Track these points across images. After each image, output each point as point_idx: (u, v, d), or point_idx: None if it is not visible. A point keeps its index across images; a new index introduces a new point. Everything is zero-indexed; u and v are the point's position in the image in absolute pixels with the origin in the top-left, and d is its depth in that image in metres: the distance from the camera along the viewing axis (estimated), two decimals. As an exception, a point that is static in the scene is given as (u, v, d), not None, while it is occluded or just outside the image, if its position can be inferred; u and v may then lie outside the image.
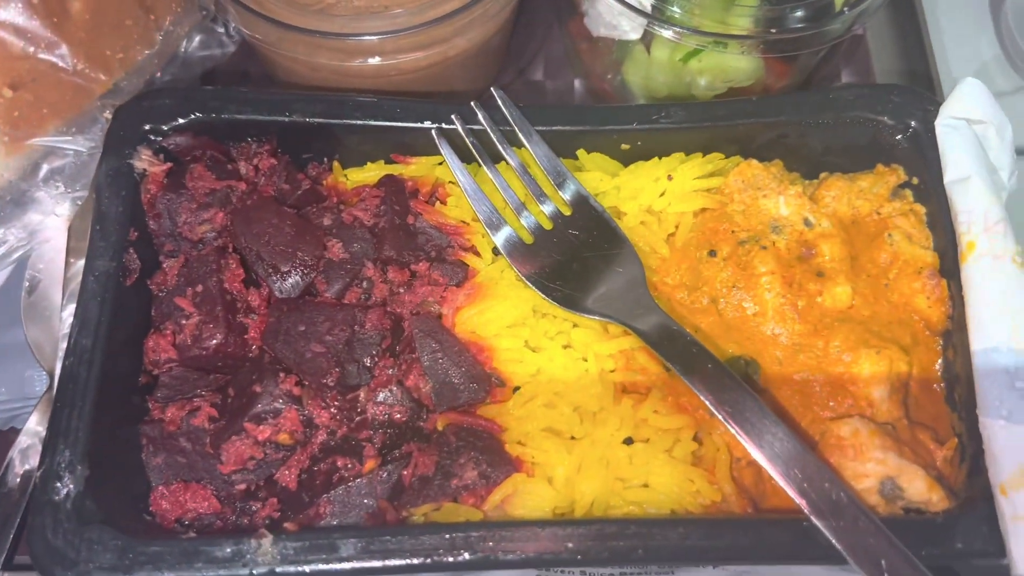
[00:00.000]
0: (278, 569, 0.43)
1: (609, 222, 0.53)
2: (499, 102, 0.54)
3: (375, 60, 0.57)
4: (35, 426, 0.53)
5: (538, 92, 0.69)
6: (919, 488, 0.47)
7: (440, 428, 0.49)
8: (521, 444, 0.49)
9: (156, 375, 0.51)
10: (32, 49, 0.49)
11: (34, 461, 0.53)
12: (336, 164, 0.58)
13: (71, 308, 0.56)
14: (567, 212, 0.54)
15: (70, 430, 0.46)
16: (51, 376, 0.56)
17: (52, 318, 0.57)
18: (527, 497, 0.47)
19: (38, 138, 0.50)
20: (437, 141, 0.54)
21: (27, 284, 0.58)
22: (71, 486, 0.45)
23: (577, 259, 0.52)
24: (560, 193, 0.54)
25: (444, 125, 0.55)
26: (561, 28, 0.69)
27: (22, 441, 0.52)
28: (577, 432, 0.49)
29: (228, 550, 0.44)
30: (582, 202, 0.54)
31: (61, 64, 0.50)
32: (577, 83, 0.69)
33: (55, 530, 0.44)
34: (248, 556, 0.44)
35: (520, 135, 0.54)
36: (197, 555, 0.44)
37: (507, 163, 0.54)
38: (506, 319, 0.51)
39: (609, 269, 0.52)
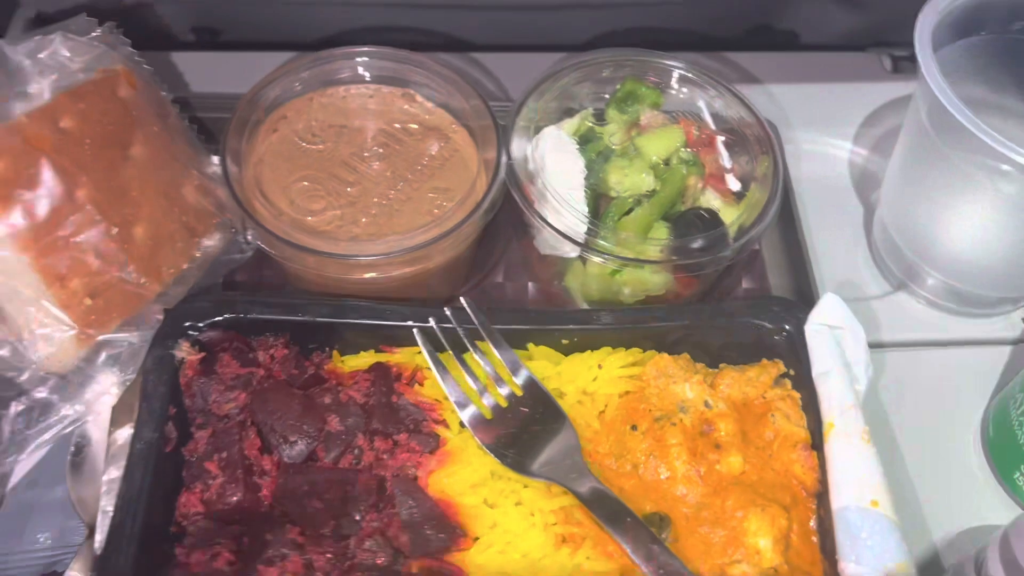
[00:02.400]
0: None
1: (552, 401, 0.67)
2: (466, 308, 0.69)
3: (370, 275, 0.73)
4: (76, 573, 0.64)
5: (499, 291, 0.85)
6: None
7: (415, 571, 0.61)
8: (481, 581, 0.61)
9: (184, 526, 0.63)
10: (107, 267, 0.64)
11: (74, 600, 0.63)
12: (335, 353, 0.72)
13: (111, 470, 0.68)
14: (519, 393, 0.68)
15: (117, 573, 0.57)
16: (89, 528, 0.67)
17: (95, 478, 0.69)
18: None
19: (104, 335, 0.64)
20: (417, 338, 0.69)
21: (72, 448, 0.70)
22: (118, 621, 0.56)
23: (526, 431, 0.66)
24: (514, 378, 0.68)
25: (422, 324, 0.69)
26: (517, 243, 0.86)
27: (66, 583, 0.63)
28: (523, 575, 0.61)
29: (242, 670, 0.55)
30: (531, 385, 0.68)
31: (127, 278, 0.65)
32: (531, 285, 0.85)
33: (103, 656, 0.54)
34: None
35: (482, 332, 0.69)
36: (217, 674, 0.54)
37: (471, 354, 0.69)
38: (469, 480, 0.64)
39: (552, 440, 0.66)
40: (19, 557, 0.67)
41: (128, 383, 0.66)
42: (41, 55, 0.66)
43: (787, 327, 0.71)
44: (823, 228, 0.88)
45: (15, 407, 0.60)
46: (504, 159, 0.76)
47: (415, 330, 0.69)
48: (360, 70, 0.83)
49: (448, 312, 0.69)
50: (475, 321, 0.69)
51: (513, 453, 0.65)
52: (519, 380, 0.68)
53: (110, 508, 0.66)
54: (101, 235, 0.63)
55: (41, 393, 0.61)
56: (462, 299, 0.69)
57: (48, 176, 0.60)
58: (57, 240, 0.61)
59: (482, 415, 0.66)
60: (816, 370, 0.69)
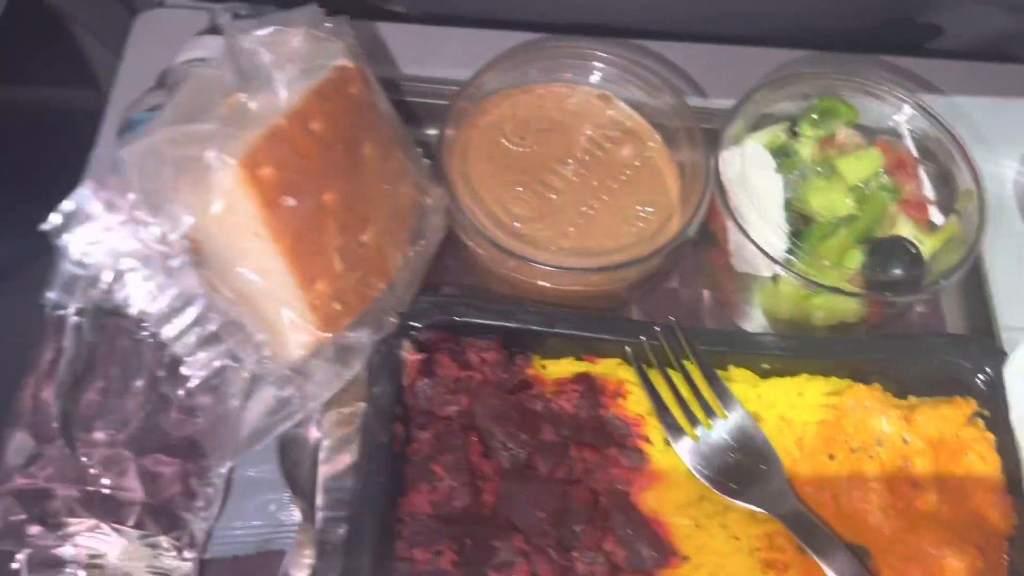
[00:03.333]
0: None
1: (756, 429, 0.69)
2: (678, 333, 0.71)
3: (573, 286, 0.74)
4: (305, 555, 0.67)
5: (673, 298, 0.86)
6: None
7: (630, 587, 0.64)
8: (691, 603, 0.64)
9: (405, 522, 0.66)
10: (349, 270, 0.65)
11: (300, 581, 0.67)
12: (535, 357, 0.74)
13: (324, 456, 0.71)
14: (723, 418, 0.70)
15: (362, 568, 0.60)
16: (304, 511, 0.70)
17: (303, 462, 0.72)
18: (700, 650, 0.62)
19: (336, 333, 0.66)
20: (629, 357, 0.70)
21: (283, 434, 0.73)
22: (365, 612, 0.59)
23: (732, 456, 0.68)
24: (719, 402, 0.70)
25: (632, 340, 0.71)
26: (692, 250, 0.86)
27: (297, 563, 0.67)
28: (733, 597, 0.64)
29: (484, 673, 0.58)
30: (735, 411, 0.70)
31: (362, 279, 0.66)
32: (706, 293, 0.87)
33: (355, 647, 0.58)
34: None
35: (690, 354, 0.71)
36: (461, 675, 0.58)
37: (676, 374, 0.71)
38: (679, 501, 0.67)
39: (756, 466, 0.68)
40: (236, 534, 0.71)
41: (346, 379, 0.68)
42: (280, 48, 0.66)
43: (987, 369, 0.72)
44: (998, 256, 0.88)
45: (263, 403, 0.62)
46: (713, 169, 0.76)
47: (627, 348, 0.70)
48: (558, 64, 0.83)
49: (662, 335, 0.71)
50: (684, 345, 0.70)
51: (720, 478, 0.67)
52: (724, 405, 0.70)
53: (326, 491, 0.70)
54: (345, 238, 0.64)
55: (287, 391, 0.63)
56: (676, 327, 0.71)
57: (306, 181, 0.61)
58: (310, 244, 0.62)
59: (691, 439, 0.68)
60: (1015, 414, 0.70)
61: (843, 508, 0.69)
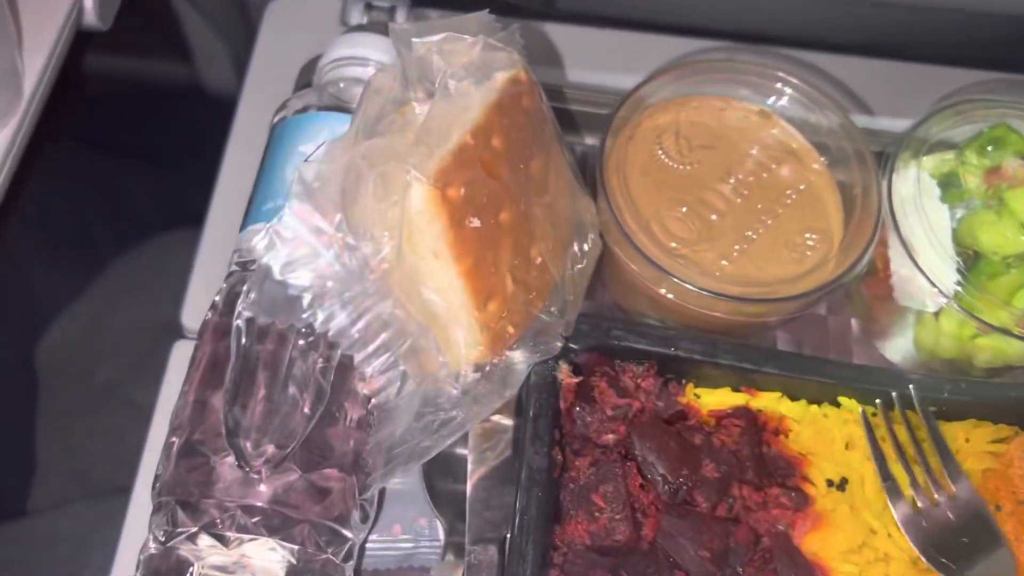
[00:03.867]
0: None
1: (987, 513, 0.65)
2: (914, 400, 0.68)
3: (719, 313, 0.71)
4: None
5: (821, 326, 0.83)
6: None
7: (796, 633, 0.62)
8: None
9: (560, 550, 0.64)
10: (518, 290, 0.63)
11: (449, 601, 0.66)
12: (689, 386, 0.72)
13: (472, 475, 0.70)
14: (951, 492, 0.66)
15: (522, 597, 0.59)
16: (448, 527, 0.69)
17: (449, 478, 0.71)
18: None
19: (504, 355, 0.64)
20: (864, 420, 0.67)
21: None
22: (529, 644, 0.58)
23: (955, 537, 0.64)
24: (945, 474, 0.66)
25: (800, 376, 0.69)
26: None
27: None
28: (898, 650, 0.62)
29: None
30: (963, 486, 0.66)
31: (529, 299, 0.65)
32: (854, 322, 0.84)
33: None
34: None
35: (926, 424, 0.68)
36: None
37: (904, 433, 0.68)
38: (843, 547, 0.65)
39: (978, 546, 0.64)
40: (375, 547, 0.70)
41: (505, 399, 0.66)
42: (454, 56, 0.64)
43: None
44: None
45: (426, 421, 0.61)
46: (886, 195, 0.73)
47: (863, 411, 0.68)
48: (717, 77, 0.80)
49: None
50: (921, 415, 0.67)
51: (944, 558, 0.63)
52: (953, 479, 0.66)
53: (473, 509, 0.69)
54: (518, 258, 0.63)
55: (453, 412, 0.62)
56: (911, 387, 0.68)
57: (489, 201, 0.59)
58: (488, 265, 0.60)
59: (913, 510, 0.65)
60: None
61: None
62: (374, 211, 0.51)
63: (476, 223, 0.58)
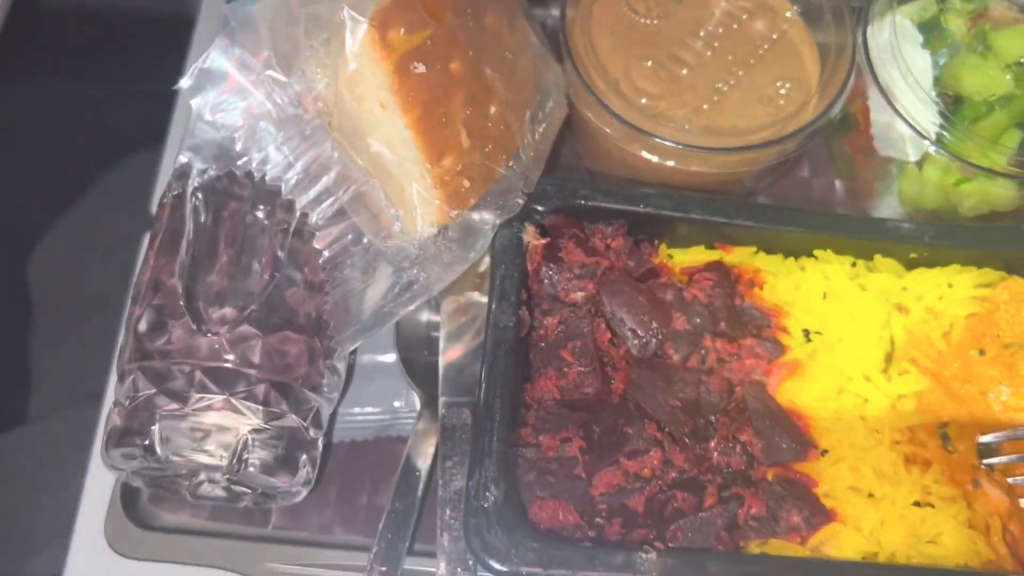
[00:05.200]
0: (662, 578, 0.56)
1: None
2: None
3: (695, 167, 0.69)
4: (428, 442, 0.66)
5: (804, 188, 0.81)
6: None
7: (769, 478, 0.61)
8: (829, 497, 0.61)
9: (531, 408, 0.64)
10: (475, 145, 0.62)
11: (424, 466, 0.66)
12: (663, 245, 0.70)
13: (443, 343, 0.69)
14: None
15: (492, 451, 0.59)
16: (423, 398, 0.69)
17: (422, 343, 0.70)
18: (840, 542, 0.59)
19: (463, 213, 0.63)
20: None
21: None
22: (496, 496, 0.57)
23: None
24: None
25: (769, 226, 0.67)
26: (829, 138, 0.81)
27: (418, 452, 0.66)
28: (876, 492, 0.61)
29: (621, 559, 0.56)
30: None
31: (487, 156, 0.63)
32: (838, 183, 0.81)
33: (488, 530, 0.56)
34: (637, 565, 0.56)
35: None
36: (597, 560, 0.56)
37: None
38: (819, 394, 0.63)
39: None
40: (353, 419, 0.70)
41: (470, 261, 0.65)
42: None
43: None
44: None
45: (387, 284, 0.60)
46: (860, 44, 0.70)
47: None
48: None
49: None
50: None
51: None
52: None
53: (447, 378, 0.68)
54: (472, 111, 0.61)
55: (412, 272, 0.61)
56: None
57: (435, 47, 0.57)
58: (439, 116, 0.59)
59: None
60: None
61: (993, 404, 0.64)
62: (305, 48, 0.50)
63: (421, 68, 0.56)
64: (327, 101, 0.51)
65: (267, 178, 0.51)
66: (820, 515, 0.59)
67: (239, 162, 0.50)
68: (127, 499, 0.65)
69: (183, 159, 0.51)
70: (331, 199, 0.52)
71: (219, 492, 0.64)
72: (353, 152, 0.55)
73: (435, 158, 0.59)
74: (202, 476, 0.61)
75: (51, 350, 1.01)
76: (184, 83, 0.48)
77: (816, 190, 0.81)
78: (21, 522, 0.88)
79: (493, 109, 0.63)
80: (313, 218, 0.52)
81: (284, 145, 0.50)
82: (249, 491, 0.62)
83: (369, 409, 0.71)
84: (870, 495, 0.61)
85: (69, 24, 1.21)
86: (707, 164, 0.69)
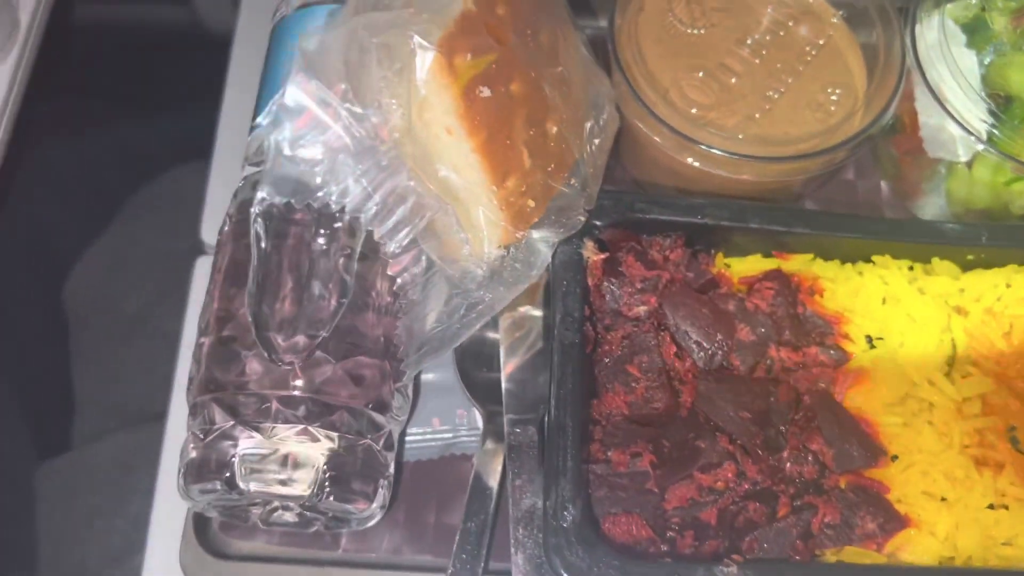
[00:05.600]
0: (745, 592, 0.56)
1: None
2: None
3: (745, 176, 0.69)
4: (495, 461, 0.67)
5: (850, 191, 0.81)
6: None
7: (842, 486, 0.61)
8: (902, 503, 0.61)
9: (600, 424, 0.64)
10: (536, 165, 0.62)
11: (494, 484, 0.66)
12: (719, 255, 0.70)
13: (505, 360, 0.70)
14: None
15: (567, 470, 0.59)
16: (486, 414, 0.69)
17: (484, 361, 0.71)
18: (916, 547, 0.60)
19: (527, 232, 0.63)
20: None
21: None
22: (574, 515, 0.58)
23: None
24: None
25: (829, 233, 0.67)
26: (875, 140, 0.81)
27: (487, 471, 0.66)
28: (948, 496, 0.61)
29: (701, 573, 0.56)
30: None
31: (548, 176, 0.63)
32: (883, 185, 0.81)
33: (569, 549, 0.57)
34: (719, 578, 0.56)
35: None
36: (677, 574, 0.56)
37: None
38: (886, 400, 0.64)
39: None
40: (417, 439, 0.70)
41: (531, 279, 0.65)
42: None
43: None
44: None
45: (453, 305, 0.60)
46: (910, 46, 0.70)
47: (825, 240, 0.66)
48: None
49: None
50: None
51: None
52: None
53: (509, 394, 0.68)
54: (533, 132, 0.61)
55: (479, 292, 0.61)
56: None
57: (498, 70, 0.57)
58: (503, 138, 0.59)
59: None
60: None
61: (1058, 405, 0.65)
62: (379, 79, 0.50)
63: (486, 92, 0.56)
64: (402, 131, 0.51)
65: (347, 210, 0.51)
66: (895, 521, 0.60)
67: (318, 194, 0.50)
68: (199, 527, 0.65)
69: (262, 195, 0.51)
70: (408, 228, 0.53)
71: (291, 518, 0.64)
72: (427, 183, 0.55)
73: (500, 180, 0.59)
74: (275, 503, 0.61)
75: (92, 373, 1.01)
76: (262, 120, 0.48)
77: (861, 192, 0.81)
78: (75, 550, 0.88)
79: (552, 127, 0.63)
80: (391, 247, 0.53)
81: (363, 177, 0.50)
82: (321, 516, 0.63)
83: (432, 429, 0.71)
84: (943, 499, 0.61)
85: (102, 41, 1.21)
86: (758, 173, 0.70)
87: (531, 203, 0.60)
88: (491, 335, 0.72)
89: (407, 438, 0.70)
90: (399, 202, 0.51)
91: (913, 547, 0.59)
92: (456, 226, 0.56)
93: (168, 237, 1.03)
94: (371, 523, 0.63)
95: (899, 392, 0.64)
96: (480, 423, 0.70)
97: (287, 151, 0.49)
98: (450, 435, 0.71)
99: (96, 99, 1.19)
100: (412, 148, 0.53)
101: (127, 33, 1.31)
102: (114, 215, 1.11)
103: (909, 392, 0.64)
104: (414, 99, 0.52)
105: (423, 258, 0.55)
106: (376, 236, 0.52)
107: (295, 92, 0.48)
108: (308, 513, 0.63)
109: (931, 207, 0.78)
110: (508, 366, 0.70)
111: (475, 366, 0.71)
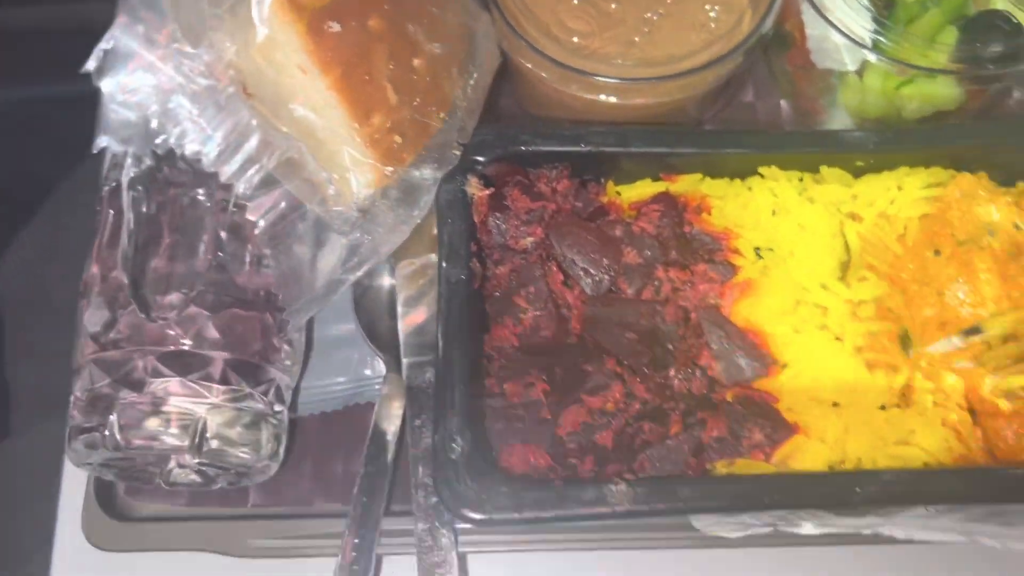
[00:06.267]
0: (634, 508, 0.56)
1: None
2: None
3: (641, 100, 0.69)
4: (395, 406, 0.66)
5: (750, 112, 0.80)
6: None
7: (729, 399, 0.61)
8: (792, 411, 0.61)
9: (493, 358, 0.64)
10: (403, 101, 0.61)
11: (392, 428, 0.66)
12: (610, 183, 0.70)
13: (401, 306, 0.69)
14: None
15: (455, 403, 0.59)
16: (388, 361, 0.69)
17: (382, 314, 0.70)
18: (805, 454, 0.59)
19: (403, 171, 0.62)
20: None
21: (356, 289, 0.71)
22: (463, 446, 0.57)
23: None
24: None
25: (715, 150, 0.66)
26: (769, 58, 0.80)
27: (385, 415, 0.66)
28: (840, 400, 0.61)
29: (592, 493, 0.56)
30: None
31: (417, 111, 0.62)
32: (783, 103, 0.81)
33: (457, 479, 0.57)
34: (608, 498, 0.56)
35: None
36: (569, 497, 0.56)
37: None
38: (775, 309, 0.63)
39: None
40: (321, 391, 0.70)
41: (416, 221, 0.65)
42: None
43: (1105, 137, 0.66)
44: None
45: (334, 252, 0.59)
46: (784, -39, 0.69)
47: (707, 157, 0.66)
48: None
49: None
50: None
51: None
52: None
53: (408, 341, 0.68)
54: (397, 66, 0.60)
55: (355, 234, 0.60)
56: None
57: (348, 4, 0.57)
58: (361, 74, 0.58)
59: None
60: None
61: (951, 303, 0.64)
62: (210, 18, 0.49)
63: (336, 27, 0.56)
64: (239, 69, 0.51)
65: (187, 152, 0.50)
66: (782, 430, 0.59)
67: (157, 140, 0.50)
68: (102, 494, 0.66)
69: (102, 143, 0.51)
70: (255, 167, 0.52)
71: (193, 477, 0.64)
72: (276, 120, 0.54)
73: (362, 117, 0.58)
74: (172, 462, 0.61)
75: (25, 363, 1.01)
76: (89, 66, 0.48)
77: (762, 113, 0.80)
78: (7, 534, 0.88)
79: (419, 63, 0.63)
80: (240, 188, 0.52)
81: (200, 117, 0.49)
82: (222, 472, 0.63)
83: (337, 380, 0.71)
84: (834, 404, 0.61)
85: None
86: (648, 95, 0.69)
87: (399, 139, 0.59)
88: (390, 283, 0.72)
89: (312, 391, 0.70)
90: (242, 140, 0.51)
91: (802, 454, 0.59)
92: (314, 164, 0.55)
93: (90, 221, 1.03)
94: (268, 474, 0.63)
95: (789, 300, 0.63)
96: (383, 369, 0.70)
97: (119, 97, 0.48)
98: (354, 385, 0.71)
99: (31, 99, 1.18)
100: (258, 89, 0.53)
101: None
102: (39, 203, 1.11)
103: (800, 298, 0.64)
104: (252, 38, 0.51)
105: (284, 201, 0.55)
106: (223, 178, 0.51)
107: (120, 35, 0.47)
108: (208, 470, 0.63)
109: (832, 122, 0.77)
110: (410, 315, 0.69)
111: (377, 316, 0.71)
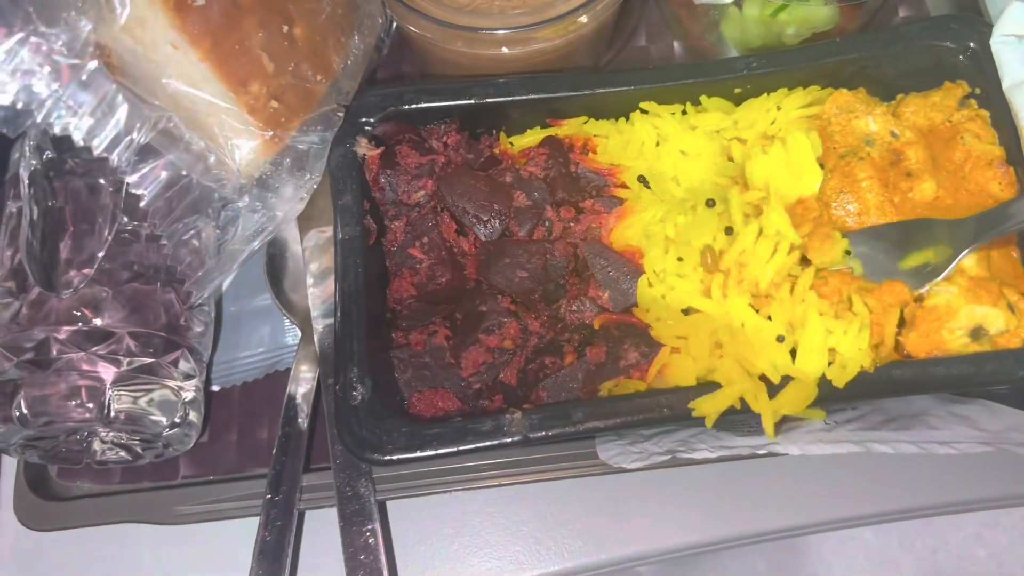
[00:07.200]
0: (529, 435, 0.58)
1: None
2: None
3: (521, 49, 0.70)
4: (304, 369, 0.69)
5: (644, 55, 0.82)
6: (999, 325, 0.60)
7: (597, 327, 0.63)
8: (660, 320, 0.62)
9: (397, 311, 0.66)
10: (281, 68, 0.63)
11: (304, 389, 0.68)
12: (502, 134, 0.71)
13: (311, 272, 0.71)
14: None
15: (353, 353, 0.60)
16: (302, 328, 0.71)
17: (297, 283, 0.72)
18: (676, 371, 0.61)
19: (289, 137, 0.64)
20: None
21: (267, 259, 0.73)
22: (363, 393, 0.59)
23: None
24: None
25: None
26: (660, 6, 0.82)
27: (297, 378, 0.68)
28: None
29: (490, 425, 0.58)
30: None
31: (299, 77, 0.64)
32: (676, 44, 0.82)
33: (359, 425, 0.59)
34: (505, 428, 0.58)
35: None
36: (467, 431, 0.58)
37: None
38: (644, 222, 0.65)
39: None
40: (241, 363, 0.72)
41: (311, 187, 0.67)
42: None
43: (971, 44, 0.68)
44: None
45: (237, 221, 0.61)
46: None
47: (586, 96, 0.67)
48: None
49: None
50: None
51: None
52: None
53: (319, 307, 0.70)
54: (269, 35, 0.62)
55: (243, 202, 0.62)
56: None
57: (214, -22, 0.58)
58: (232, 44, 0.60)
59: None
60: (1007, 82, 0.66)
61: (836, 215, 0.66)
62: (65, -3, 0.51)
63: (200, 1, 0.57)
64: (102, 46, 0.53)
65: (57, 131, 0.52)
66: (654, 347, 0.61)
67: (27, 122, 0.52)
68: (33, 478, 0.68)
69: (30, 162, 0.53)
70: (127, 139, 0.54)
71: (121, 454, 0.66)
72: (149, 96, 0.56)
73: (238, 85, 0.60)
74: (94, 440, 0.64)
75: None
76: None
77: (656, 56, 0.82)
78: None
79: (296, 30, 0.65)
80: (115, 160, 0.54)
81: (65, 96, 0.51)
82: (143, 444, 0.65)
83: (257, 351, 0.73)
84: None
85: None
86: (530, 43, 0.70)
87: (275, 104, 0.61)
88: (301, 252, 0.73)
89: (232, 363, 0.72)
90: (108, 114, 0.53)
91: (674, 371, 0.61)
92: (190, 134, 0.57)
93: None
94: (189, 444, 0.65)
95: (657, 214, 0.65)
96: (299, 334, 0.71)
97: (-10, 90, 0.50)
98: (276, 354, 0.73)
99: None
100: (125, 67, 0.54)
101: None
102: None
103: (670, 207, 0.65)
104: (119, 18, 0.53)
105: (164, 172, 0.57)
106: (95, 152, 0.53)
107: (-28, 24, 0.49)
108: (131, 445, 0.65)
109: (721, 55, 0.79)
110: (318, 280, 0.71)
111: (290, 285, 0.73)
